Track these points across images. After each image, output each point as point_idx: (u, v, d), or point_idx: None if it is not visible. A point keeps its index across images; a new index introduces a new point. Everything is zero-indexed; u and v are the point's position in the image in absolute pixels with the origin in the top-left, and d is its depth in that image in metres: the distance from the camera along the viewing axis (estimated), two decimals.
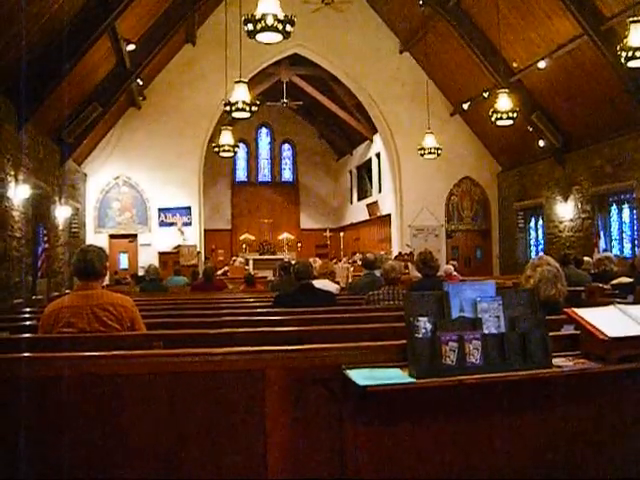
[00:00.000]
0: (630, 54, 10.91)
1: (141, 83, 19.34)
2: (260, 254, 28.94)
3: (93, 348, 3.53)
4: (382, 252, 20.98)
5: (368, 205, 28.63)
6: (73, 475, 2.87)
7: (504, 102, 15.41)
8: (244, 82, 14.27)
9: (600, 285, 7.97)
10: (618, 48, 11.23)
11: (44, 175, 15.30)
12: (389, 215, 24.89)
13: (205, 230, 23.14)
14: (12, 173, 12.85)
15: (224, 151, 18.26)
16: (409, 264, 18.67)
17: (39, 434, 2.90)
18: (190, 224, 21.57)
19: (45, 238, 15.69)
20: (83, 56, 13.87)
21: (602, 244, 17.52)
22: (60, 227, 17.12)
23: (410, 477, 3.03)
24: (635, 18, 11.08)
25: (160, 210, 21.33)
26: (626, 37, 11.08)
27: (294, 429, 3.04)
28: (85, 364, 3.04)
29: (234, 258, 25.13)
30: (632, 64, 11.21)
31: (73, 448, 2.89)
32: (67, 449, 2.87)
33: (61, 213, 16.99)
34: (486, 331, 3.07)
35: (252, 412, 3.02)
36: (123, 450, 2.94)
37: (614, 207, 17.82)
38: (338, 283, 10.55)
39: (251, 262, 25.47)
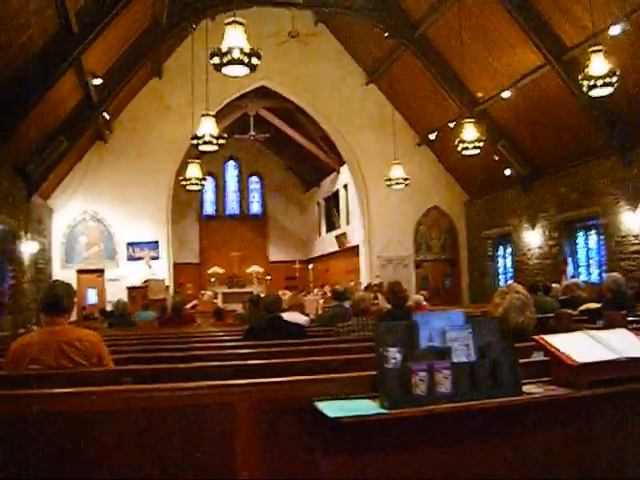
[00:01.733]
0: (592, 83, 11.11)
1: (108, 117, 19.29)
2: (229, 287, 28.87)
3: (61, 385, 3.49)
4: (351, 283, 21.00)
5: (337, 237, 28.72)
6: None
7: (470, 132, 15.56)
8: (211, 115, 14.33)
9: (568, 311, 8.01)
10: (580, 77, 11.43)
11: (9, 210, 15.17)
12: (358, 246, 24.92)
13: (174, 264, 23.03)
14: None
15: (191, 184, 18.27)
16: (379, 295, 18.67)
17: (6, 472, 2.85)
18: (158, 258, 21.46)
19: (11, 274, 15.54)
20: (49, 90, 13.81)
21: (570, 270, 17.66)
22: (26, 263, 16.93)
23: None
24: (596, 48, 11.28)
25: (128, 244, 21.22)
26: (587, 66, 11.27)
27: (266, 462, 3.01)
28: (53, 401, 3.00)
29: (203, 292, 25.01)
30: (594, 93, 11.40)
31: None
32: None
33: (27, 249, 16.82)
34: (455, 360, 3.07)
35: (223, 445, 2.99)
36: None
37: (581, 233, 18.01)
38: (308, 315, 10.55)
39: (220, 295, 25.41)
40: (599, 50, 11.22)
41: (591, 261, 17.71)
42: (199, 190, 23.64)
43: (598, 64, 11.12)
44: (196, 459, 2.98)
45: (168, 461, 2.96)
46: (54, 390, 3.12)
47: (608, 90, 11.29)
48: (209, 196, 34.13)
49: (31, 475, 2.85)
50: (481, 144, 15.59)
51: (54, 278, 17.96)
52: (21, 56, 12.31)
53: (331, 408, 2.90)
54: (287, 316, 7.64)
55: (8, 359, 4.45)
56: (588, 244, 17.80)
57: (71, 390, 3.10)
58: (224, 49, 9.99)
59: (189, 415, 3.01)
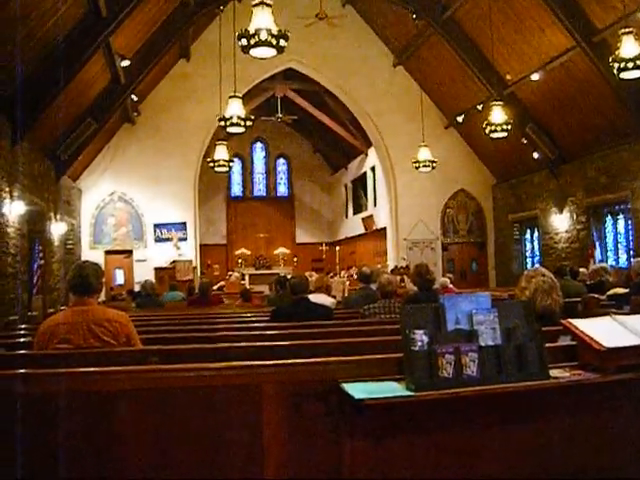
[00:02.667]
0: (622, 65, 10.99)
1: (135, 99, 19.36)
2: (256, 269, 28.97)
3: (89, 364, 3.52)
4: (378, 265, 20.98)
5: (363, 219, 28.66)
6: None
7: (498, 114, 15.47)
8: (238, 97, 14.33)
9: (596, 296, 7.96)
10: (610, 59, 11.31)
11: (39, 191, 15.29)
12: (385, 229, 24.88)
13: (201, 245, 23.10)
14: (7, 189, 12.84)
15: (219, 166, 18.32)
16: (405, 277, 18.64)
17: (35, 451, 2.88)
18: (186, 239, 21.55)
19: (40, 254, 15.67)
20: (78, 72, 13.88)
21: (598, 255, 17.53)
22: (55, 243, 17.09)
23: None
24: (626, 29, 11.14)
25: (156, 226, 21.31)
26: (618, 48, 11.14)
27: (291, 443, 3.02)
28: (81, 380, 3.02)
29: (230, 273, 25.09)
30: (624, 75, 11.27)
31: (70, 465, 2.87)
32: (63, 466, 2.86)
33: (56, 229, 16.97)
34: (482, 343, 3.06)
35: (249, 427, 3.01)
36: (119, 466, 2.92)
37: (609, 218, 17.86)
38: (334, 297, 10.55)
39: (247, 277, 25.48)
40: (630, 32, 11.08)
41: (619, 246, 17.57)
42: (227, 172, 23.68)
43: (629, 46, 10.99)
44: (222, 439, 3.00)
45: (193, 441, 2.98)
46: (82, 369, 3.15)
47: (639, 73, 11.16)
48: (236, 178, 34.09)
49: (58, 453, 2.88)
50: (509, 127, 15.51)
51: (82, 259, 18.08)
52: (50, 39, 12.36)
53: (357, 390, 2.90)
54: (313, 298, 7.63)
55: (37, 339, 4.49)
56: (616, 228, 17.66)
57: (98, 369, 3.12)
58: (252, 31, 9.97)
59: (215, 395, 3.02)
